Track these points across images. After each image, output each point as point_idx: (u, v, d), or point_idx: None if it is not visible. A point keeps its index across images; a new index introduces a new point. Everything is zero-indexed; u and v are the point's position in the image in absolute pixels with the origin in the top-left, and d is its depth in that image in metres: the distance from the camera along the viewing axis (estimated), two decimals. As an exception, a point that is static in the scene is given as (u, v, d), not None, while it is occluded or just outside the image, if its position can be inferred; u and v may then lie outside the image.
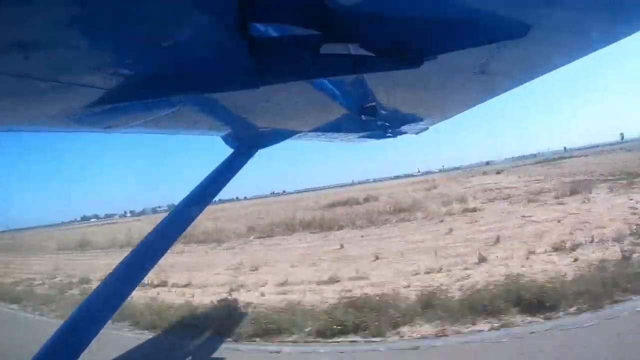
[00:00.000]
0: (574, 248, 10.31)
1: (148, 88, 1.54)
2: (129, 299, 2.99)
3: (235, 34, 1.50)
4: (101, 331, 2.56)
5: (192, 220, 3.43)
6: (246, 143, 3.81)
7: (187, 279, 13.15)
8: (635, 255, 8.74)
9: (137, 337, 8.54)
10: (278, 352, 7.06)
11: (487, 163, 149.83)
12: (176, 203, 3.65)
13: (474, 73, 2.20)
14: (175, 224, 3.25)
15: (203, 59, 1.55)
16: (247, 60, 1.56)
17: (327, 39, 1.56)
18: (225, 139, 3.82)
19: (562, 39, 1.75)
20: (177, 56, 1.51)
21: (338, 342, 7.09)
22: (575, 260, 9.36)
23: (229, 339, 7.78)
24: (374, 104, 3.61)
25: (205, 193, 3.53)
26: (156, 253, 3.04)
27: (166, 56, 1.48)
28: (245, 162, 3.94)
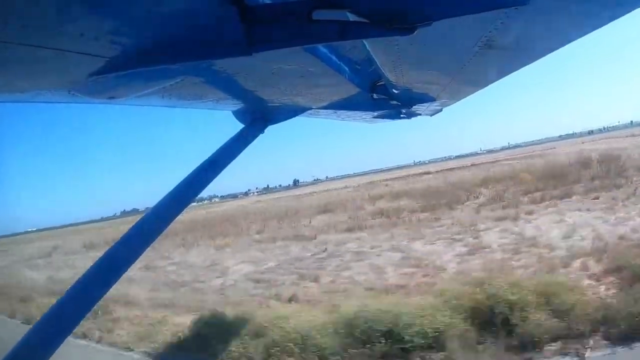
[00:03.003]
0: None
1: (143, 56, 1.57)
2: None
3: (228, 1, 1.51)
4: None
5: (200, 191, 3.52)
6: (256, 118, 3.85)
7: None
8: None
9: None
10: None
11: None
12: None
13: (480, 47, 2.13)
14: (183, 194, 3.32)
15: (196, 26, 1.56)
16: (240, 26, 1.57)
17: (319, 5, 1.55)
18: (236, 114, 3.87)
19: (564, 11, 1.66)
20: (172, 23, 1.53)
21: None
22: None
23: None
24: (383, 82, 3.56)
25: (213, 167, 3.59)
26: (165, 219, 3.14)
27: (160, 23, 1.50)
28: (255, 137, 3.98)
